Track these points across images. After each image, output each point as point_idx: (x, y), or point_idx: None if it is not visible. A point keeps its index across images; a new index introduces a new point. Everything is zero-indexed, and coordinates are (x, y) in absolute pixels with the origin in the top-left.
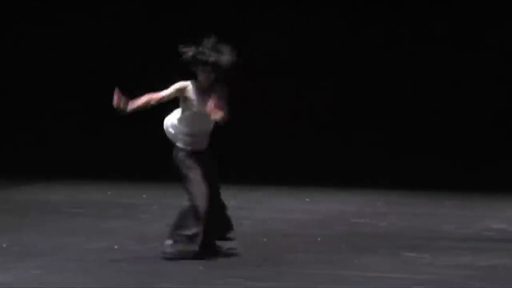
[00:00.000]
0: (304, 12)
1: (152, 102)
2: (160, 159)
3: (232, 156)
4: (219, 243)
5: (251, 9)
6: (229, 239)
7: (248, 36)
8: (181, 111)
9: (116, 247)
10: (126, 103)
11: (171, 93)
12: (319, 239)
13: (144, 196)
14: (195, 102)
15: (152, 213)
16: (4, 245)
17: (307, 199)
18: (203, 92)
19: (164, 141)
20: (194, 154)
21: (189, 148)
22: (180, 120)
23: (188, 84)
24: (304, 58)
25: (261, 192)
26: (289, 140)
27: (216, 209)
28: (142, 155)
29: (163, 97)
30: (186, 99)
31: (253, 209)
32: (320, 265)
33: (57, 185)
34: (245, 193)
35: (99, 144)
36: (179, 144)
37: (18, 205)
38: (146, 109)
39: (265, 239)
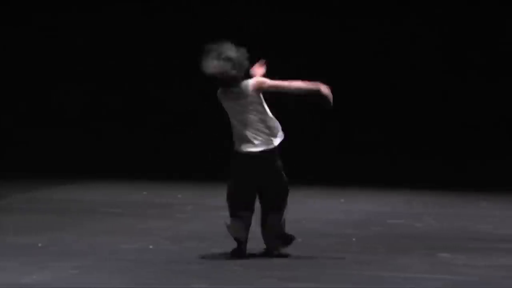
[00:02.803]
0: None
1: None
2: (195, 159)
3: None
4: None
5: (255, 11)
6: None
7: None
8: None
9: (151, 247)
10: None
11: None
12: (354, 239)
13: (179, 196)
14: (227, 110)
15: (188, 213)
16: (39, 245)
17: (342, 200)
18: (229, 99)
19: (200, 141)
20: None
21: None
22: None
23: (219, 93)
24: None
25: (296, 193)
26: (324, 140)
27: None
28: (178, 155)
29: None
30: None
31: (288, 210)
32: (355, 266)
33: (94, 185)
34: None
35: (136, 144)
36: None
37: (55, 205)
38: None
39: (299, 240)
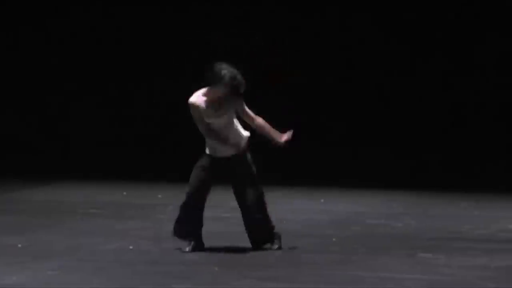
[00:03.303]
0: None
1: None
2: (175, 160)
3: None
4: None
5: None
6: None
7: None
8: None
9: (131, 247)
10: None
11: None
12: (334, 239)
13: (159, 196)
14: (208, 114)
15: (168, 213)
16: (19, 245)
17: (322, 200)
18: (213, 102)
19: (178, 143)
20: (216, 160)
21: (213, 154)
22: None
23: (198, 103)
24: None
25: (276, 193)
26: (302, 140)
27: (248, 218)
28: (158, 156)
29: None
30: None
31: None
32: (335, 266)
33: (73, 186)
34: None
35: (115, 145)
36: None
37: (34, 206)
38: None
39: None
